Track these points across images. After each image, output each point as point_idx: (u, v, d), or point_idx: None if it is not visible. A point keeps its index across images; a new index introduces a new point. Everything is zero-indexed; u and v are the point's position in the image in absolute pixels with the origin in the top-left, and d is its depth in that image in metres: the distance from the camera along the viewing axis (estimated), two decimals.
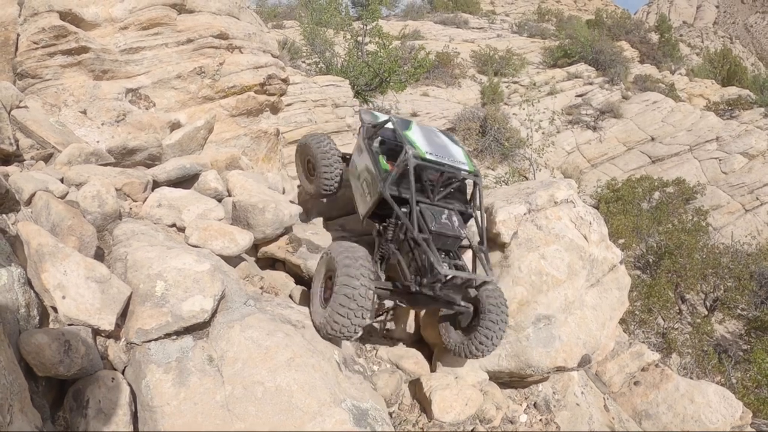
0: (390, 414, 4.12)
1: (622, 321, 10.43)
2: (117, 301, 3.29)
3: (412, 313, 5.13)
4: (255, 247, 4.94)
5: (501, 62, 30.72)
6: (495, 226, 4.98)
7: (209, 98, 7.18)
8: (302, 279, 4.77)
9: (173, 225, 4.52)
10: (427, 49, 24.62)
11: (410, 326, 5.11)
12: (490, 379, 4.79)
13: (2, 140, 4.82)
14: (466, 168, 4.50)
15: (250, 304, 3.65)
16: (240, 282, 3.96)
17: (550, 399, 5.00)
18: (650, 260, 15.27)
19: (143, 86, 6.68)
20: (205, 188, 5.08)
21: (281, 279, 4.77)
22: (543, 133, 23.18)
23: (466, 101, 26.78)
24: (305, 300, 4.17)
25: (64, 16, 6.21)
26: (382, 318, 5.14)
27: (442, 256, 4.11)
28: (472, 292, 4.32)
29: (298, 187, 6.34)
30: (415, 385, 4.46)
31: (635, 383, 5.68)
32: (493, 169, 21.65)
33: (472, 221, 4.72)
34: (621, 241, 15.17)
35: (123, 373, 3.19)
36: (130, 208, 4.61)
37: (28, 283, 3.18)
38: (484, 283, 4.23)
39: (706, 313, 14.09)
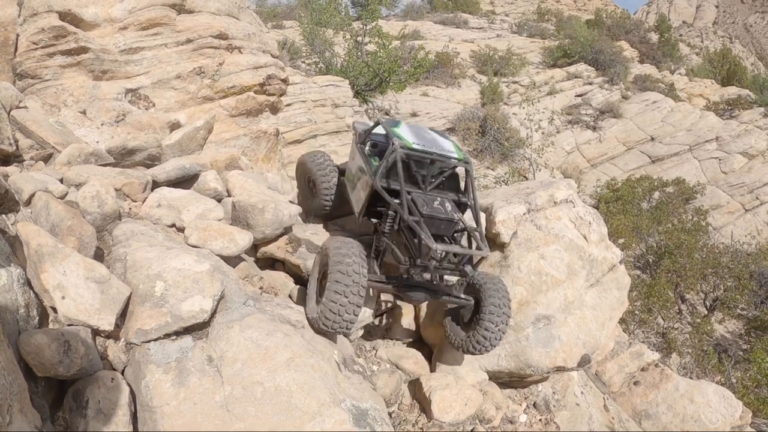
0: (390, 414, 4.12)
1: (622, 321, 10.44)
2: (116, 301, 3.29)
3: (411, 312, 5.13)
4: (254, 247, 4.93)
5: (501, 62, 30.74)
6: (494, 226, 4.98)
7: (209, 98, 7.19)
8: (302, 279, 4.76)
9: (173, 225, 4.52)
10: (427, 49, 24.64)
11: (410, 326, 5.11)
12: (490, 379, 4.79)
13: (2, 140, 4.82)
14: (455, 156, 4.49)
15: (250, 304, 3.65)
16: (239, 282, 3.96)
17: (550, 399, 5.00)
18: (650, 260, 15.27)
19: (143, 86, 6.68)
20: (204, 188, 5.08)
21: (281, 279, 4.77)
22: (543, 133, 23.20)
23: (465, 101, 26.80)
24: (304, 300, 4.17)
25: (63, 16, 6.21)
26: (381, 317, 5.14)
27: (437, 240, 4.08)
28: (475, 285, 4.30)
29: (298, 188, 6.34)
30: (415, 385, 4.46)
31: (635, 383, 5.68)
32: (492, 169, 21.66)
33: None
34: (621, 240, 15.17)
35: (122, 373, 3.19)
36: (130, 209, 4.61)
37: (28, 283, 3.18)
38: (482, 261, 4.19)
39: (706, 312, 14.10)
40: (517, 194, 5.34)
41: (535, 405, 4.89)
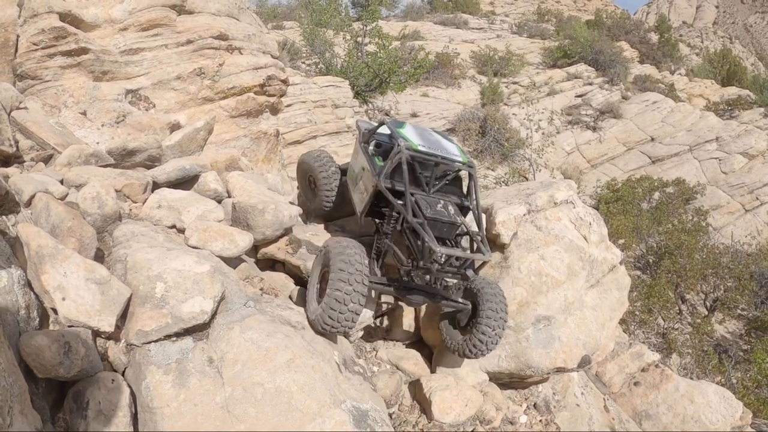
0: (390, 415, 4.12)
1: (622, 321, 10.44)
2: (117, 302, 3.29)
3: (411, 314, 5.14)
4: (255, 248, 4.94)
5: (500, 63, 30.74)
6: (495, 227, 4.98)
7: (209, 99, 7.19)
8: (302, 280, 4.77)
9: (173, 226, 4.52)
10: (427, 50, 24.65)
11: (410, 327, 5.11)
12: (490, 379, 4.79)
13: (2, 141, 4.82)
14: (460, 159, 4.49)
15: (250, 305, 3.65)
16: (240, 283, 3.96)
17: (550, 400, 5.00)
18: (650, 260, 15.27)
19: (143, 87, 6.68)
20: (204, 189, 5.08)
21: (281, 280, 4.77)
22: (543, 133, 23.20)
23: (465, 102, 26.80)
24: (304, 301, 4.17)
25: (63, 17, 6.22)
26: (381, 318, 5.14)
27: (439, 243, 4.09)
28: (472, 289, 4.31)
29: (298, 188, 6.35)
30: (415, 386, 4.46)
31: (635, 384, 5.68)
32: (492, 170, 21.66)
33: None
34: (621, 241, 15.17)
35: (123, 374, 3.19)
36: (130, 210, 4.61)
37: (28, 284, 3.18)
38: (483, 265, 4.19)
39: (706, 313, 14.09)
40: (518, 195, 5.34)
41: (535, 406, 4.89)
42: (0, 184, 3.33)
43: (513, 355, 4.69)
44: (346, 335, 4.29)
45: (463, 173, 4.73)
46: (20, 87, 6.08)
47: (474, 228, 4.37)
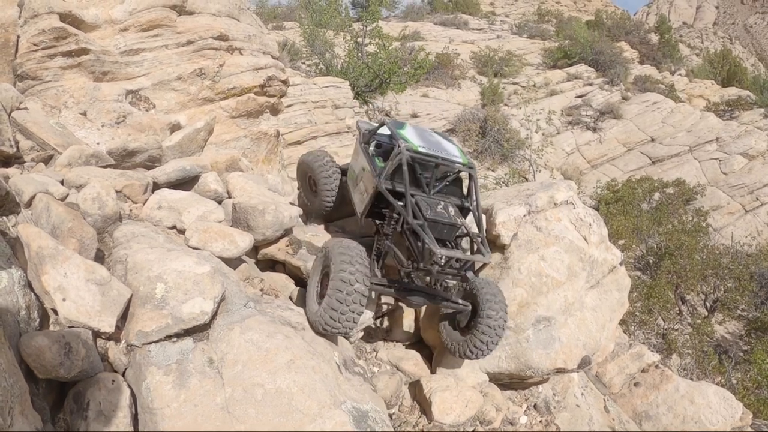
0: (390, 416, 4.12)
1: (623, 322, 10.43)
2: (117, 303, 3.30)
3: (411, 314, 5.13)
4: (255, 249, 4.94)
5: (501, 63, 30.76)
6: (495, 227, 4.98)
7: (209, 100, 7.20)
8: (302, 281, 4.77)
9: (173, 227, 4.53)
10: (427, 50, 24.66)
11: (410, 328, 5.11)
12: (490, 380, 4.79)
13: (2, 142, 4.83)
14: (460, 161, 4.50)
15: (250, 306, 3.65)
16: (240, 284, 3.97)
17: (550, 400, 5.00)
18: (650, 261, 15.28)
19: (143, 88, 6.69)
20: (205, 190, 5.09)
21: (281, 281, 4.77)
22: (543, 134, 23.21)
23: (466, 102, 26.81)
24: (305, 302, 4.18)
25: (64, 17, 6.22)
26: (381, 319, 5.14)
27: (439, 244, 4.09)
28: (472, 290, 4.31)
29: (298, 188, 6.35)
30: (415, 387, 4.46)
31: (635, 384, 5.68)
32: (493, 170, 21.67)
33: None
34: (621, 242, 15.17)
35: (123, 375, 3.19)
36: (131, 210, 4.61)
37: (29, 285, 3.18)
38: (484, 267, 4.20)
39: (707, 313, 14.09)
40: (518, 196, 5.35)
41: (535, 406, 4.89)
42: (0, 184, 3.34)
43: (513, 356, 4.68)
44: (347, 336, 4.29)
45: (464, 174, 4.74)
46: (20, 87, 6.09)
47: (474, 229, 4.37)
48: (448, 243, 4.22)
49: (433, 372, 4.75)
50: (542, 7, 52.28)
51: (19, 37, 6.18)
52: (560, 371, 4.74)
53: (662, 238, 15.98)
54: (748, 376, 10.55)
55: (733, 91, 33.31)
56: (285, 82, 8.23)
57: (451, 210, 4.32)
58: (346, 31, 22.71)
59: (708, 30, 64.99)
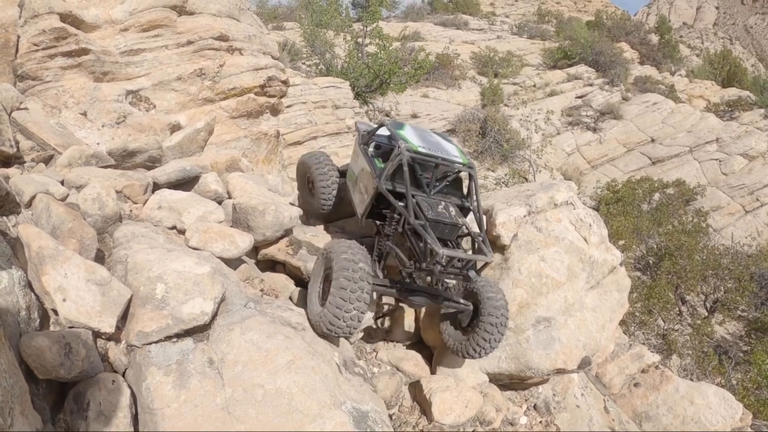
0: (390, 416, 4.12)
1: (623, 322, 10.43)
2: (117, 303, 3.30)
3: (412, 315, 5.14)
4: (255, 250, 4.94)
5: (501, 64, 30.77)
6: (495, 228, 4.98)
7: (209, 100, 7.20)
8: (302, 281, 4.77)
9: (173, 227, 4.53)
10: (427, 51, 24.67)
11: (410, 328, 5.11)
12: (490, 381, 4.79)
13: (3, 142, 4.83)
14: (460, 161, 4.50)
15: (251, 306, 3.65)
16: (240, 284, 3.97)
17: (550, 401, 5.00)
18: (650, 261, 15.28)
19: (143, 88, 6.69)
20: (205, 190, 5.09)
21: (281, 281, 4.77)
22: (542, 134, 23.22)
23: (466, 103, 26.82)
24: (305, 302, 4.18)
25: (64, 17, 6.22)
26: (381, 320, 5.14)
27: (440, 244, 4.09)
28: (473, 290, 4.32)
29: (298, 189, 6.35)
30: (415, 387, 4.46)
31: (635, 385, 5.68)
32: (493, 171, 21.67)
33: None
34: (621, 242, 15.18)
35: (123, 375, 3.19)
36: (131, 211, 4.61)
37: (29, 285, 3.18)
38: (486, 267, 4.20)
39: (707, 314, 14.09)
40: (518, 196, 5.35)
41: (535, 407, 4.89)
42: (1, 185, 3.34)
43: (513, 357, 4.69)
44: (348, 338, 4.29)
45: (463, 174, 4.74)
46: (21, 87, 6.09)
47: (475, 229, 4.37)
48: (449, 243, 4.22)
49: (433, 372, 4.75)
50: (542, 8, 52.31)
51: (19, 37, 6.18)
52: (560, 372, 4.74)
53: (662, 238, 15.99)
54: (748, 376, 10.56)
55: (733, 92, 33.33)
56: (285, 83, 8.23)
57: (452, 210, 4.33)
58: (346, 31, 22.72)
59: (708, 30, 65.00)
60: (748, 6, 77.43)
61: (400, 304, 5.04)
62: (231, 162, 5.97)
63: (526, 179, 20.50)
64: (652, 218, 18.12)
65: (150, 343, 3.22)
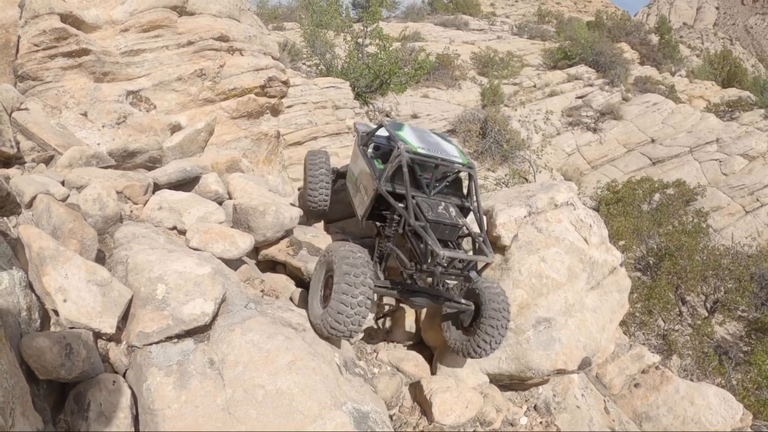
0: (390, 417, 4.12)
1: (623, 323, 10.43)
2: (118, 304, 3.30)
3: (412, 315, 5.14)
4: (256, 250, 4.94)
5: (501, 64, 30.77)
6: (495, 228, 4.98)
7: (210, 100, 7.20)
8: (303, 282, 4.77)
9: (174, 228, 4.53)
10: (428, 51, 24.65)
11: (411, 329, 5.12)
12: (491, 381, 4.79)
13: (3, 143, 4.83)
14: (460, 161, 4.50)
15: (251, 307, 3.65)
16: (241, 285, 3.97)
17: (551, 401, 5.00)
18: (650, 262, 15.28)
19: (144, 88, 6.69)
20: (205, 191, 5.09)
21: (282, 282, 4.77)
22: (543, 134, 23.21)
23: (466, 103, 26.81)
24: (305, 303, 4.18)
25: (64, 18, 6.22)
26: (382, 320, 5.14)
27: (441, 245, 4.10)
28: (475, 290, 4.32)
29: (299, 189, 6.37)
30: (416, 388, 4.46)
31: (635, 385, 5.68)
32: (493, 171, 21.66)
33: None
34: (621, 242, 15.17)
35: (124, 376, 3.19)
36: (131, 211, 4.61)
37: (30, 286, 3.18)
38: (486, 267, 4.21)
39: (707, 314, 14.08)
40: (518, 197, 5.35)
41: (535, 407, 4.89)
42: (1, 185, 3.34)
43: (513, 357, 4.69)
44: (349, 339, 4.29)
45: (463, 174, 4.74)
46: (21, 88, 6.09)
47: (475, 229, 4.37)
48: (450, 243, 4.22)
49: (433, 373, 4.75)
50: (542, 8, 52.28)
51: (19, 37, 6.18)
52: (560, 372, 4.74)
53: (662, 239, 15.98)
54: (749, 377, 10.55)
55: (733, 92, 33.31)
56: (285, 83, 8.23)
57: (452, 210, 4.33)
58: (346, 31, 22.71)
59: (708, 31, 64.98)
60: (749, 6, 77.44)
61: (401, 305, 5.04)
62: (231, 162, 5.98)
63: (527, 180, 20.49)
64: (653, 219, 18.11)
65: (151, 344, 3.22)
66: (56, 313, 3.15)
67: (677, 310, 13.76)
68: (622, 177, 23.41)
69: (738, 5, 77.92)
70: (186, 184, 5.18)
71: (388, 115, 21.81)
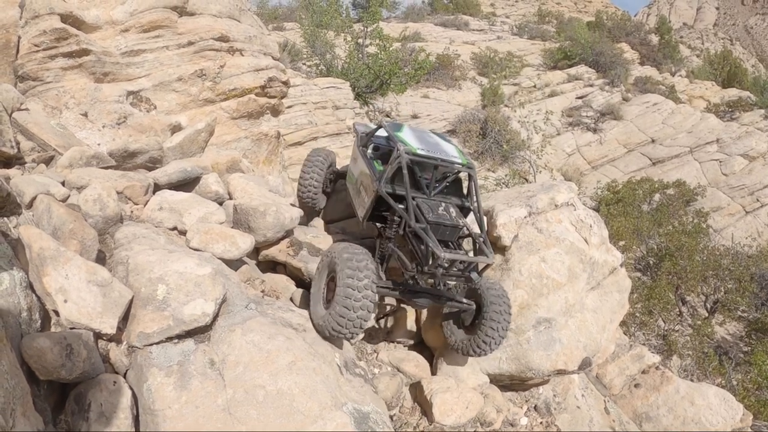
0: (391, 417, 4.12)
1: (623, 323, 10.42)
2: (118, 304, 3.30)
3: (413, 316, 5.14)
4: (256, 250, 4.94)
5: (501, 64, 30.76)
6: (496, 229, 4.98)
7: (210, 101, 7.20)
8: (303, 282, 4.77)
9: (174, 228, 4.53)
10: (428, 51, 24.63)
11: (411, 329, 5.12)
12: (491, 382, 4.79)
13: (3, 143, 4.83)
14: (459, 161, 4.50)
15: (252, 307, 3.65)
16: (241, 285, 3.97)
17: (551, 402, 5.00)
18: (651, 262, 15.27)
19: (144, 89, 6.69)
20: (206, 191, 5.09)
21: (282, 282, 4.77)
22: (543, 134, 23.20)
23: (466, 103, 26.80)
24: (306, 303, 4.18)
25: (65, 18, 6.22)
26: (383, 320, 5.14)
27: (442, 246, 4.10)
28: (476, 289, 4.32)
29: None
30: (416, 388, 4.46)
31: (636, 386, 5.68)
32: (493, 172, 21.64)
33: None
34: (621, 243, 15.15)
35: (125, 376, 3.19)
36: (132, 211, 4.61)
37: (30, 286, 3.18)
38: (487, 268, 4.22)
39: (707, 315, 14.08)
40: (518, 197, 5.35)
41: (535, 408, 4.89)
42: (1, 185, 3.33)
43: (514, 357, 4.69)
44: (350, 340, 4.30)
45: (463, 174, 4.74)
46: (21, 88, 6.08)
47: (475, 229, 4.37)
48: (450, 244, 4.22)
49: (434, 373, 4.75)
50: (543, 8, 52.23)
51: (20, 37, 6.18)
52: (561, 373, 4.75)
53: (662, 239, 15.97)
54: (749, 377, 10.54)
55: (733, 92, 33.29)
56: (286, 83, 8.23)
57: (453, 211, 4.33)
58: (346, 31, 22.68)
59: (708, 31, 64.95)
60: (749, 6, 77.43)
61: (402, 305, 5.04)
62: (232, 163, 5.98)
63: (527, 180, 20.48)
64: (653, 219, 18.10)
65: (151, 344, 3.22)
66: (57, 313, 3.16)
67: (677, 310, 13.75)
68: (622, 177, 23.39)
69: (738, 5, 77.92)
70: (186, 184, 5.18)
71: (388, 116, 21.81)
